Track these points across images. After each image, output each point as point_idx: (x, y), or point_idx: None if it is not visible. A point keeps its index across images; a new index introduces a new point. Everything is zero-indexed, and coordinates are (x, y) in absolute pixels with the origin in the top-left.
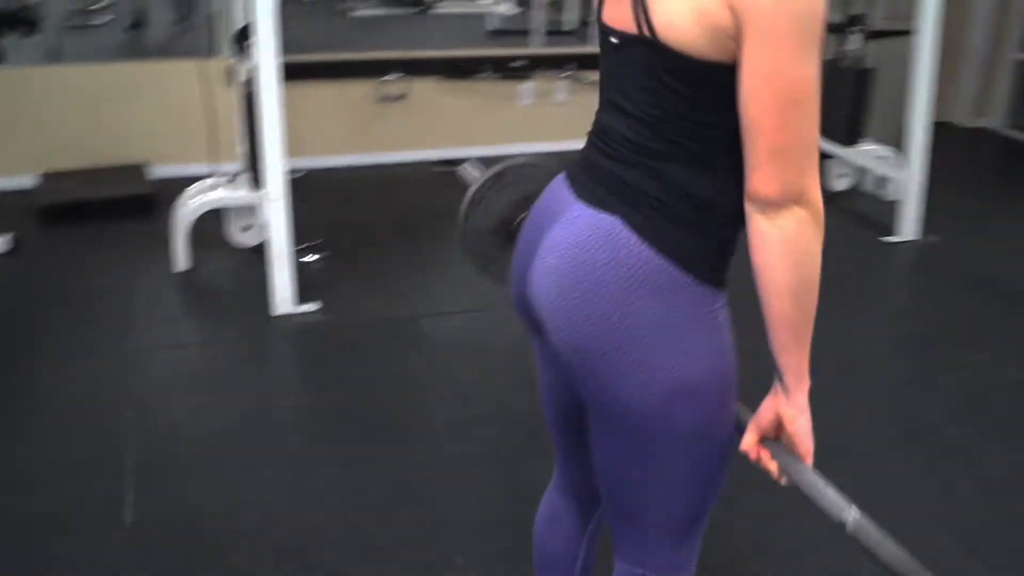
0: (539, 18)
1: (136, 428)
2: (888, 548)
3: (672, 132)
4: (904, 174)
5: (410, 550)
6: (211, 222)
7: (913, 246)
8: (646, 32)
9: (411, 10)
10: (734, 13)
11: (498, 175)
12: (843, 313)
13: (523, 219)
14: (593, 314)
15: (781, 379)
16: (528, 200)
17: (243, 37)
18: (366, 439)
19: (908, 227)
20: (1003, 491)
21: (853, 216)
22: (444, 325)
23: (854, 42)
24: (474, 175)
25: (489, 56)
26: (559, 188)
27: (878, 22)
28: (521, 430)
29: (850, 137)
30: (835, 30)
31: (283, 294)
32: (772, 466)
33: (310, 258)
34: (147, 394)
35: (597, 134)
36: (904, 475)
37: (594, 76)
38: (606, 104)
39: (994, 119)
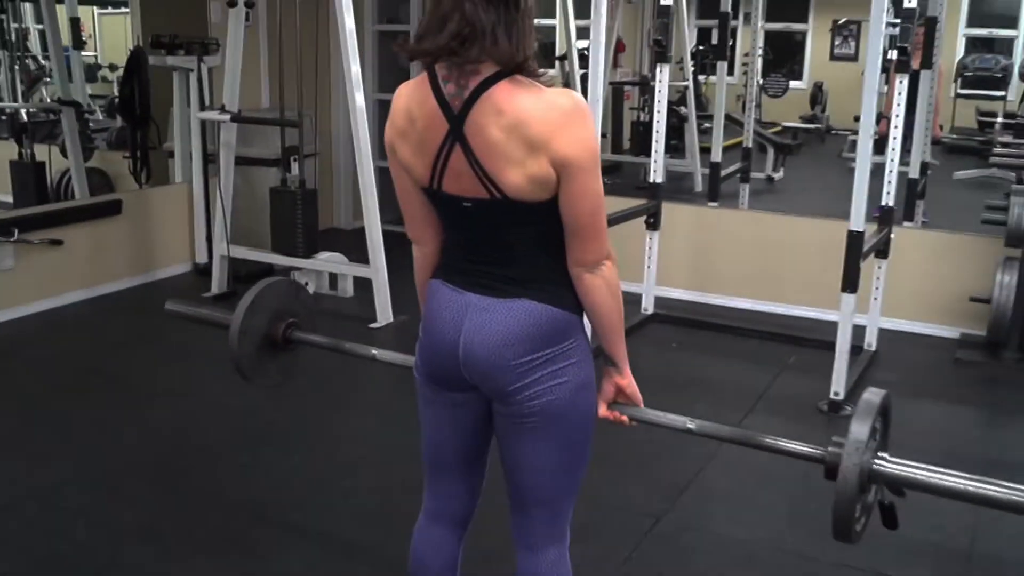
0: None
1: None
2: (722, 429)
3: (524, 244)
4: (372, 271)
5: None
6: None
7: (394, 325)
8: (498, 196)
9: None
10: (557, 168)
11: (254, 303)
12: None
13: (287, 327)
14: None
15: (615, 364)
16: (280, 313)
17: None
18: None
19: (384, 313)
20: None
21: (333, 315)
22: None
23: (294, 168)
24: (195, 310)
25: None
26: (449, 293)
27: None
28: None
29: (308, 250)
30: (274, 163)
31: None
32: (624, 418)
33: None
34: None
35: (467, 257)
36: None
37: (39, 235)
38: (464, 238)
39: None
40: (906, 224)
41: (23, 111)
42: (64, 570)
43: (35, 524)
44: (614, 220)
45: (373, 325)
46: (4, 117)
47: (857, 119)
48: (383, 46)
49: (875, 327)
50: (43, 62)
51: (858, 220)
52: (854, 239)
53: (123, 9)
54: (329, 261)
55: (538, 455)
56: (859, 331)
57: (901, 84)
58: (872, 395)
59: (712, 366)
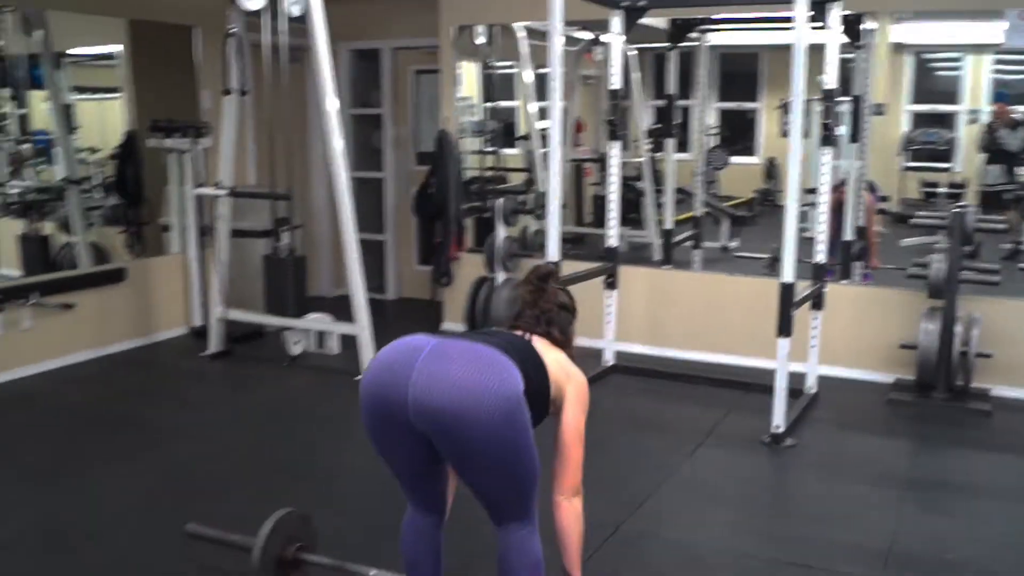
0: None
1: None
2: None
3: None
4: (358, 328)
5: None
6: None
7: None
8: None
9: None
10: (566, 391)
11: (275, 528)
12: None
13: (297, 551)
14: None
15: None
16: (290, 538)
17: None
18: None
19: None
20: None
21: (322, 370)
22: None
23: (285, 238)
24: (217, 533)
25: None
26: (409, 337)
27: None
28: None
29: (299, 311)
30: (263, 234)
31: None
32: None
33: None
34: None
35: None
36: None
37: (53, 300)
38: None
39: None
40: (843, 282)
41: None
42: None
43: (48, 553)
44: (578, 279)
45: (358, 378)
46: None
47: (807, 191)
48: (358, 128)
49: (814, 372)
50: (19, 146)
51: (788, 274)
52: (786, 290)
53: (101, 95)
54: (318, 320)
55: (488, 479)
56: (800, 377)
57: (825, 156)
58: None
59: (667, 409)
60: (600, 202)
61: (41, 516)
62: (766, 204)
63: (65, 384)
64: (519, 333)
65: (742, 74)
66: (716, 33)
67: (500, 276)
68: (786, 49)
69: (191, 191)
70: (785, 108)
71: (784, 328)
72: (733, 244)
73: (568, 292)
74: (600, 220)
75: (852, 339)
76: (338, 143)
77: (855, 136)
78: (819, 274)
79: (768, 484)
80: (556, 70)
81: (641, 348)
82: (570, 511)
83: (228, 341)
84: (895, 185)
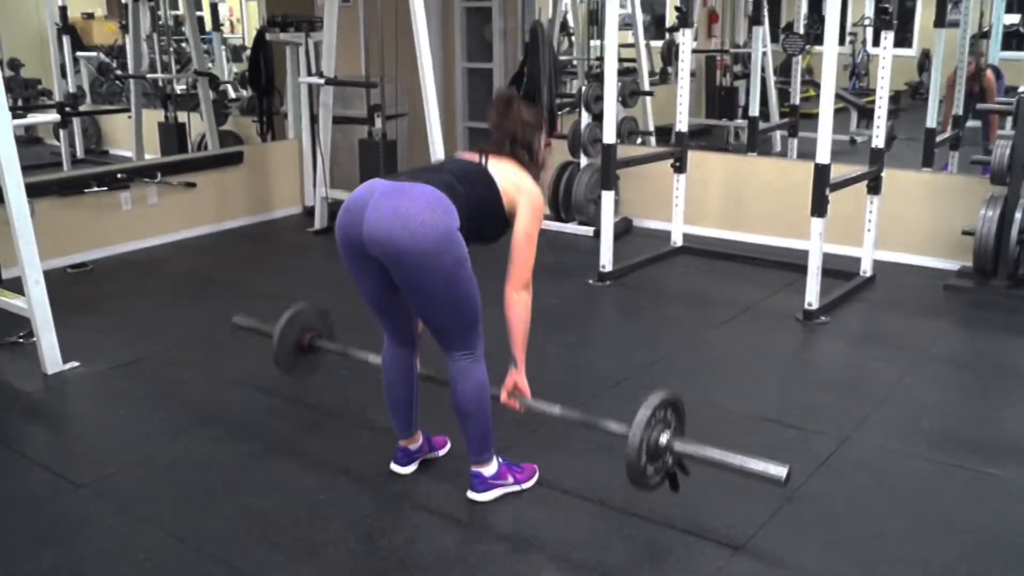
0: None
1: None
2: (573, 414)
3: (464, 194)
4: None
5: None
6: None
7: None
8: (483, 164)
9: None
10: (520, 201)
11: (291, 318)
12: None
13: (312, 337)
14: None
15: (516, 364)
16: (307, 328)
17: None
18: None
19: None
20: None
21: None
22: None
23: (378, 123)
24: (253, 323)
25: (94, 173)
26: (372, 181)
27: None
28: None
29: None
30: (362, 121)
31: (52, 356)
32: (516, 404)
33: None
34: None
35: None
36: None
37: (177, 179)
38: (429, 169)
39: None
40: (924, 169)
41: (170, 83)
42: (175, 397)
43: (161, 373)
44: (645, 160)
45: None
46: (150, 91)
47: None
48: (471, 21)
49: (869, 256)
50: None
51: (824, 155)
52: (820, 171)
53: None
54: None
55: (430, 306)
56: (856, 261)
57: (886, 41)
58: (657, 393)
59: (716, 287)
60: (722, 93)
61: (135, 348)
62: (917, 98)
63: (184, 253)
64: (476, 158)
65: None
66: None
67: (583, 160)
68: None
69: (300, 80)
70: None
71: (817, 208)
72: (861, 137)
73: (533, 109)
74: (724, 112)
75: (919, 226)
76: (427, 58)
77: (939, 20)
78: (877, 158)
79: (782, 355)
80: None
81: (715, 232)
82: (517, 302)
83: (332, 218)
84: None
